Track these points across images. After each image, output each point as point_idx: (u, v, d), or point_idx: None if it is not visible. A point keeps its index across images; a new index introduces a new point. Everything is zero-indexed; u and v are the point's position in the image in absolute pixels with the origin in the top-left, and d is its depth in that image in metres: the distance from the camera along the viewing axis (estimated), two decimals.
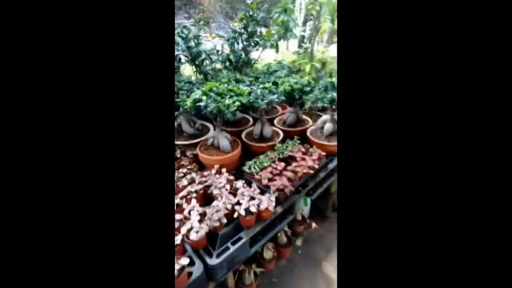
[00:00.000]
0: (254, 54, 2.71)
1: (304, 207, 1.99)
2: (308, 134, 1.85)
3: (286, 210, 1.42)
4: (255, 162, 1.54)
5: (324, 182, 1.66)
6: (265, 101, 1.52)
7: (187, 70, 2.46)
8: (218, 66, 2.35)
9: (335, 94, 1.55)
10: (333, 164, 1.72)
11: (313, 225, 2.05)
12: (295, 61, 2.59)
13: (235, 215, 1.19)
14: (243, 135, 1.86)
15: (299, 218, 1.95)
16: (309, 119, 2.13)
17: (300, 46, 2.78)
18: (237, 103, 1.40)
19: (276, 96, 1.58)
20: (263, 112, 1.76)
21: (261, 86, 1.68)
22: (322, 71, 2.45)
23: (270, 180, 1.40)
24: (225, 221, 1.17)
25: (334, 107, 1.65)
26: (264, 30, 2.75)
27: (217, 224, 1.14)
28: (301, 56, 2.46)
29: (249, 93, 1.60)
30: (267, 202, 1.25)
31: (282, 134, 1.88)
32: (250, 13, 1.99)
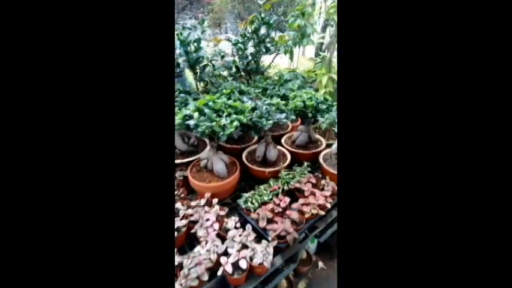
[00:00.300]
0: (268, 59, 2.46)
1: (310, 244, 1.70)
2: (321, 159, 1.56)
3: (288, 260, 1.14)
4: (253, 194, 1.27)
5: (336, 222, 1.37)
6: (271, 121, 1.26)
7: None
8: (225, 73, 2.12)
9: None
10: None
11: (320, 264, 1.75)
12: (311, 70, 2.31)
13: (221, 271, 0.93)
14: (244, 155, 1.60)
15: (303, 256, 1.67)
16: (322, 139, 1.84)
17: (317, 55, 2.50)
18: (236, 123, 1.15)
19: (284, 115, 1.32)
20: (269, 131, 1.50)
21: (267, 101, 1.42)
22: None
23: (269, 221, 1.13)
24: (206, 278, 0.91)
25: None
26: (279, 34, 2.50)
27: (195, 283, 0.88)
28: (317, 66, 2.18)
29: (253, 110, 1.34)
30: (263, 255, 0.98)
31: (289, 157, 1.60)
32: (262, 15, 1.73)
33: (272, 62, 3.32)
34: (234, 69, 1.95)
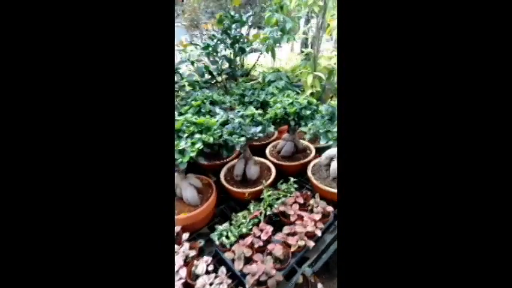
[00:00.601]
0: (253, 59, 2.26)
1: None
2: (309, 172, 1.37)
3: None
4: (230, 224, 1.08)
5: (331, 245, 1.18)
6: (243, 138, 1.06)
7: None
8: (200, 77, 1.92)
9: None
10: None
11: (319, 286, 1.57)
12: (295, 69, 2.10)
13: None
14: (222, 174, 1.41)
15: (299, 280, 1.48)
16: (311, 146, 1.65)
17: (302, 51, 2.30)
18: (199, 145, 0.95)
19: (259, 128, 1.12)
20: (247, 145, 1.30)
21: (241, 112, 1.22)
22: (328, 82, 1.96)
23: (248, 260, 0.94)
24: None
25: None
26: (260, 32, 2.29)
27: None
28: (302, 64, 1.98)
29: (224, 124, 1.14)
30: None
31: (273, 171, 1.41)
32: (231, 13, 1.53)
33: (256, 61, 3.12)
34: (207, 76, 1.74)
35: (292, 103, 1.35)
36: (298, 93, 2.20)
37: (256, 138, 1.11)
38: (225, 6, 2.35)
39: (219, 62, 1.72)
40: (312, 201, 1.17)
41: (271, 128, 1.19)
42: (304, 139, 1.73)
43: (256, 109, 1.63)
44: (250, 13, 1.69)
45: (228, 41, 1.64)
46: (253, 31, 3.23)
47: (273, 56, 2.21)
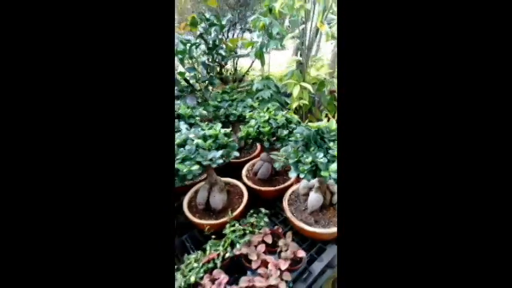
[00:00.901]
0: (247, 64, 2.09)
1: None
2: (285, 203, 1.17)
3: None
4: (177, 269, 0.90)
5: None
6: (197, 167, 0.87)
7: None
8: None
9: (321, 157, 0.85)
10: (321, 263, 1.03)
11: None
12: (282, 78, 1.92)
13: None
14: (186, 200, 1.23)
15: None
16: None
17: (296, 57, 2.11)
18: None
19: (220, 153, 0.93)
20: (211, 168, 1.12)
21: (205, 131, 1.04)
22: (318, 94, 1.76)
23: None
24: None
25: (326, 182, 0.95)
26: (241, 37, 2.13)
27: None
28: (289, 73, 1.79)
29: (181, 146, 0.97)
30: None
31: (245, 198, 1.22)
32: (207, 15, 1.35)
33: (250, 67, 2.94)
34: (183, 83, 1.57)
35: (268, 120, 1.16)
36: (287, 103, 2.01)
37: (214, 165, 0.93)
38: (216, 8, 2.18)
39: (197, 69, 1.55)
40: (281, 242, 0.98)
41: (236, 153, 1.00)
42: None
43: (231, 125, 1.46)
44: (229, 16, 1.52)
45: (204, 47, 1.47)
46: (247, 35, 3.05)
47: (262, 62, 2.04)
